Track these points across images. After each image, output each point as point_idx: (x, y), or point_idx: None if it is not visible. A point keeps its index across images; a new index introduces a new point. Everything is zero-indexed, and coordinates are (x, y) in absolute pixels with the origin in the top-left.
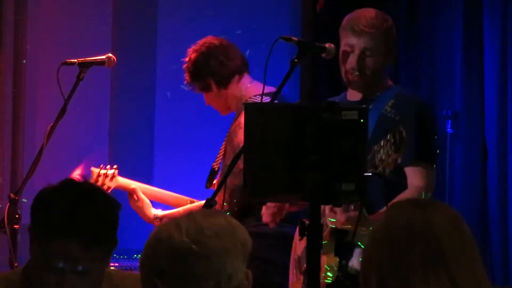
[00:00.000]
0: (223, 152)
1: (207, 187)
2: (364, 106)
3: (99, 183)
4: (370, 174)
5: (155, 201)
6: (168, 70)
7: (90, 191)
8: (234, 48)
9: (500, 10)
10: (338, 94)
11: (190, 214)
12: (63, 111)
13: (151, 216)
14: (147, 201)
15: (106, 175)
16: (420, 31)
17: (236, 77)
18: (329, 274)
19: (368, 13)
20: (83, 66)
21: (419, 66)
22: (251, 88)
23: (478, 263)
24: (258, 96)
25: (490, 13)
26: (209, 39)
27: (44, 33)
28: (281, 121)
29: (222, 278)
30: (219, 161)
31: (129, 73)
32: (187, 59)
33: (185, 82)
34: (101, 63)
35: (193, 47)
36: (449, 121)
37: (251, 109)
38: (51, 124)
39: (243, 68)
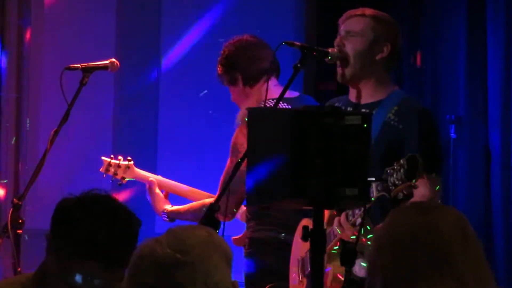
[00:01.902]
0: None
1: None
2: (367, 111)
3: (110, 172)
4: (374, 179)
5: (173, 193)
6: (171, 74)
7: (113, 209)
8: (268, 49)
9: (504, 15)
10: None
11: (169, 229)
12: (66, 116)
13: (160, 210)
14: (161, 195)
15: (118, 166)
16: (423, 36)
17: (264, 78)
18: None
19: (365, 8)
20: (86, 71)
21: (423, 71)
22: (273, 91)
23: (483, 265)
24: (273, 100)
25: (493, 18)
26: (246, 35)
27: (47, 38)
28: (284, 126)
29: (210, 285)
30: None
31: (133, 78)
32: (222, 51)
33: (217, 74)
34: (104, 67)
35: (229, 41)
36: (453, 126)
37: (254, 114)
38: (55, 129)
39: (272, 70)
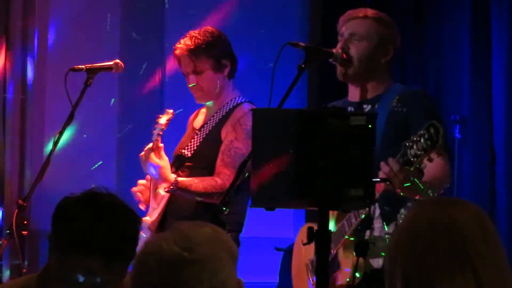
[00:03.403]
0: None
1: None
2: (372, 111)
3: (164, 121)
4: (379, 180)
5: None
6: (175, 76)
7: (111, 205)
8: None
9: (508, 15)
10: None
11: (174, 227)
12: (71, 117)
13: (172, 179)
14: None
15: (168, 120)
16: (427, 36)
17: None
18: (356, 274)
19: (366, 8)
20: (91, 72)
21: (427, 71)
22: (235, 93)
23: (503, 259)
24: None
25: (498, 18)
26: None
27: (52, 39)
28: (288, 126)
29: (216, 284)
30: (193, 149)
31: (137, 79)
32: (199, 37)
33: (193, 57)
34: (108, 68)
35: (206, 29)
36: (457, 126)
37: (259, 114)
38: (59, 130)
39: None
